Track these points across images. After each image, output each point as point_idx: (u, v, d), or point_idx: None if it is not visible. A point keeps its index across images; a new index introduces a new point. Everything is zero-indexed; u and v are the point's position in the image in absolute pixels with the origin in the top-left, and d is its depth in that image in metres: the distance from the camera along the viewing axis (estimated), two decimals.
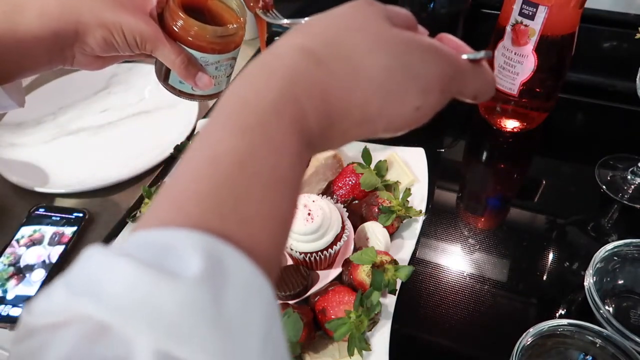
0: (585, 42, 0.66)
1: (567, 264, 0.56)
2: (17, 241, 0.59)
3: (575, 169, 0.70)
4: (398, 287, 0.51)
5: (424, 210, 0.59)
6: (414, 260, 0.57)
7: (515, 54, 0.63)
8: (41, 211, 0.62)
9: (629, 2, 0.73)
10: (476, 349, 0.50)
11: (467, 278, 0.55)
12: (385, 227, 0.55)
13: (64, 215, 0.62)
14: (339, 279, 0.53)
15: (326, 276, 0.53)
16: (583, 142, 0.74)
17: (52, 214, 0.62)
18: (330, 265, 0.55)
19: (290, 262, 0.54)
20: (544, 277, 0.55)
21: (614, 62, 0.78)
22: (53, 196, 0.67)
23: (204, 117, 0.78)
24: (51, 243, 0.59)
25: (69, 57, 0.43)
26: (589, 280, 0.48)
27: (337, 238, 0.52)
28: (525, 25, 0.60)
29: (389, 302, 0.51)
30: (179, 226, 0.18)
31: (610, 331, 0.44)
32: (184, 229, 0.18)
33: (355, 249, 0.55)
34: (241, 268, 0.18)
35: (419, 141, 0.68)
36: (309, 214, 0.50)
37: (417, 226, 0.59)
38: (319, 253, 0.51)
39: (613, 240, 0.51)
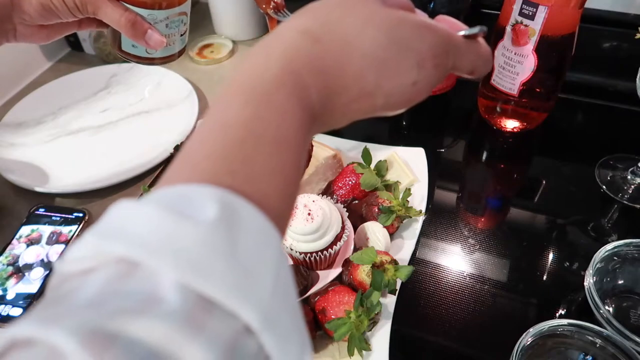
0: (585, 42, 0.65)
1: (567, 264, 0.56)
2: (17, 241, 0.59)
3: (575, 169, 0.70)
4: (398, 287, 0.51)
5: (424, 210, 0.59)
6: (414, 260, 0.57)
7: (515, 54, 0.63)
8: (41, 211, 0.62)
9: (629, 2, 0.73)
10: (476, 349, 0.50)
11: (467, 278, 0.55)
12: (385, 227, 0.55)
13: (63, 215, 0.62)
14: (339, 279, 0.53)
15: (326, 276, 0.53)
16: (583, 142, 0.74)
17: (52, 214, 0.62)
18: (330, 265, 0.55)
19: (290, 262, 0.54)
20: (544, 277, 0.55)
21: (614, 62, 0.78)
22: (53, 196, 0.67)
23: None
24: (49, 242, 0.59)
25: (10, 31, 0.42)
26: (589, 280, 0.48)
27: (337, 238, 0.52)
28: (525, 25, 0.60)
29: (389, 302, 0.51)
30: (194, 182, 0.20)
31: (610, 331, 0.44)
32: (199, 184, 0.20)
33: (355, 249, 0.55)
34: (253, 217, 0.19)
35: (419, 141, 0.68)
36: (309, 214, 0.50)
37: (417, 226, 0.59)
38: (319, 253, 0.51)
39: (613, 240, 0.51)
